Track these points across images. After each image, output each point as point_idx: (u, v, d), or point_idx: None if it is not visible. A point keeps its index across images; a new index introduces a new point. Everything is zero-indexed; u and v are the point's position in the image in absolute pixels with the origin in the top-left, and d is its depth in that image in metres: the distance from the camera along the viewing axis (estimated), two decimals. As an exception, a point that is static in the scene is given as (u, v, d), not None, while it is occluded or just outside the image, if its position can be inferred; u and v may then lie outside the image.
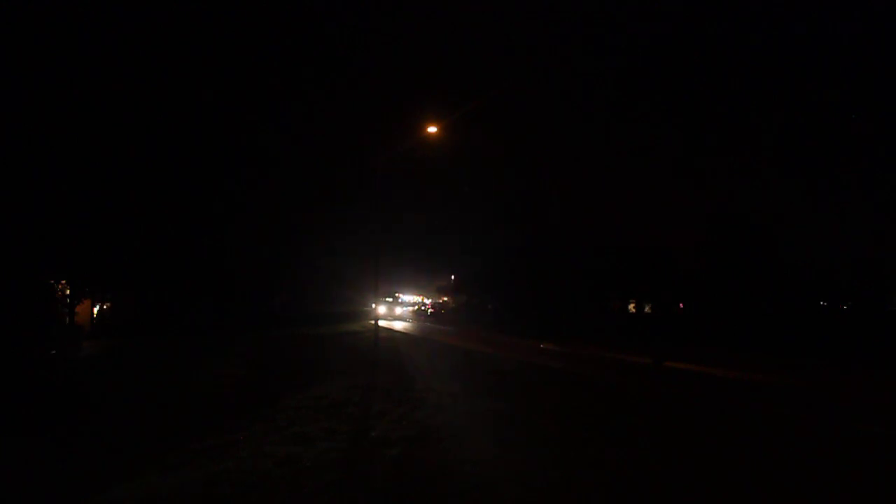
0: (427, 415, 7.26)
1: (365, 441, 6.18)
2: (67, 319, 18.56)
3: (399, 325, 32.85)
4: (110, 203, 18.08)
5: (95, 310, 23.62)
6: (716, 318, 28.90)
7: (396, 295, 52.81)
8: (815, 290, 36.87)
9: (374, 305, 21.61)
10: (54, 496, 4.98)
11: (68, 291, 19.50)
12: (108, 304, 24.32)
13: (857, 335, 19.39)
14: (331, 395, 9.25)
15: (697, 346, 19.18)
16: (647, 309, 41.27)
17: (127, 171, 18.71)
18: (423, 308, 60.24)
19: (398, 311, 45.73)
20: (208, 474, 5.25)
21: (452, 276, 52.54)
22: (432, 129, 17.84)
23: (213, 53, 23.40)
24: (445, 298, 56.97)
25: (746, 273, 33.34)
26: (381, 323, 29.75)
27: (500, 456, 5.36)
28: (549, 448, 5.49)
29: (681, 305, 37.61)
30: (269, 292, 36.83)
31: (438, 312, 51.37)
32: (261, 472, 5.26)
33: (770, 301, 32.55)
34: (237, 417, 7.72)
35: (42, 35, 15.75)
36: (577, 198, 39.38)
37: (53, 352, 17.08)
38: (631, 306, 41.60)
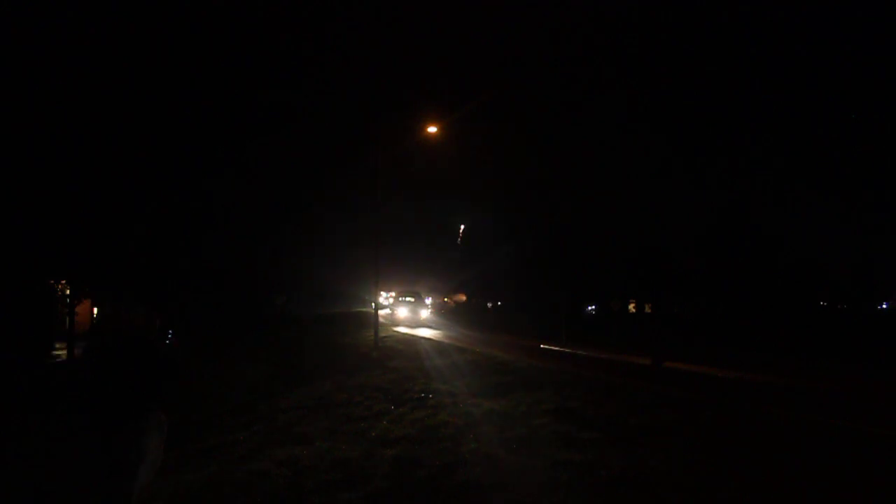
0: (427, 415, 7.26)
1: (364, 441, 6.18)
2: (67, 320, 18.53)
3: (427, 333, 23.25)
4: (110, 202, 18.06)
5: (95, 310, 23.58)
6: (715, 319, 28.91)
7: (422, 294, 38.30)
8: (815, 290, 36.92)
9: (374, 305, 21.45)
10: (52, 498, 4.98)
11: (68, 291, 19.47)
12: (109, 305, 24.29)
13: (857, 335, 19.40)
14: (331, 394, 9.25)
15: (697, 346, 19.18)
16: (646, 309, 41.27)
17: (127, 170, 18.70)
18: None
19: (423, 314, 32.65)
20: (208, 474, 5.25)
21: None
22: (432, 129, 17.85)
23: (212, 53, 23.38)
24: (446, 298, 56.98)
25: (746, 273, 33.36)
26: (402, 329, 24.46)
27: (501, 456, 5.35)
28: (550, 448, 5.48)
29: (675, 307, 37.65)
30: (271, 292, 36.77)
31: (438, 312, 51.16)
32: (261, 472, 5.26)
33: (770, 301, 32.57)
34: (237, 417, 7.72)
35: (41, 36, 15.75)
36: (578, 198, 39.35)
37: (55, 353, 17.09)
38: (631, 306, 41.58)
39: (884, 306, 39.46)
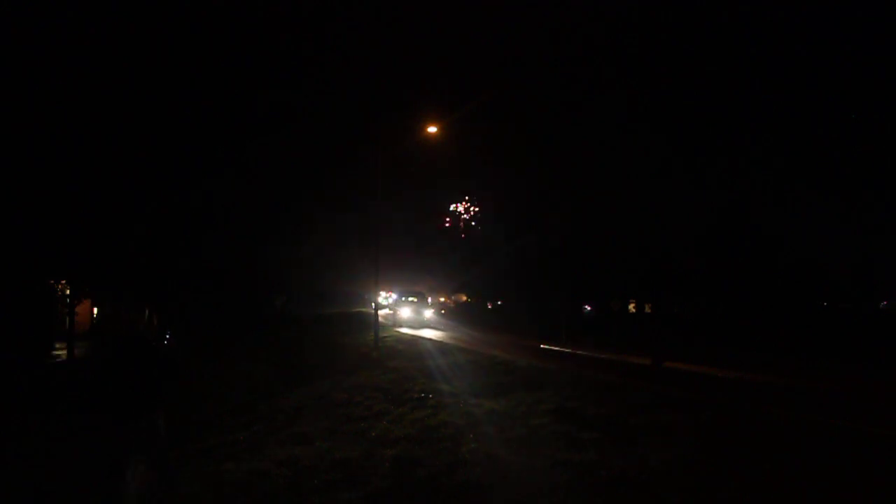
0: (427, 415, 7.26)
1: (365, 441, 6.18)
2: (67, 320, 18.55)
3: (428, 334, 23.00)
4: (110, 202, 18.07)
5: (95, 310, 23.60)
6: (715, 319, 28.91)
7: (425, 294, 36.95)
8: (815, 290, 36.90)
9: (374, 305, 21.44)
10: (53, 498, 4.98)
11: (68, 291, 19.49)
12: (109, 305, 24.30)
13: (857, 335, 19.38)
14: (331, 394, 9.25)
15: (697, 346, 19.17)
16: (647, 309, 41.26)
17: (127, 170, 18.70)
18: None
19: (427, 314, 31.64)
20: (208, 474, 5.25)
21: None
22: (432, 129, 17.86)
23: (212, 53, 23.39)
24: (443, 298, 56.99)
25: (746, 273, 33.35)
26: (403, 330, 23.80)
27: (501, 456, 5.35)
28: (550, 448, 5.48)
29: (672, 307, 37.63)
30: (270, 292, 36.76)
31: (439, 312, 51.08)
32: (261, 472, 5.26)
33: (770, 301, 32.57)
34: (237, 417, 7.72)
35: (41, 36, 15.75)
36: (578, 198, 39.23)
37: (55, 353, 17.08)
38: (631, 306, 41.57)
39: (884, 303, 39.44)
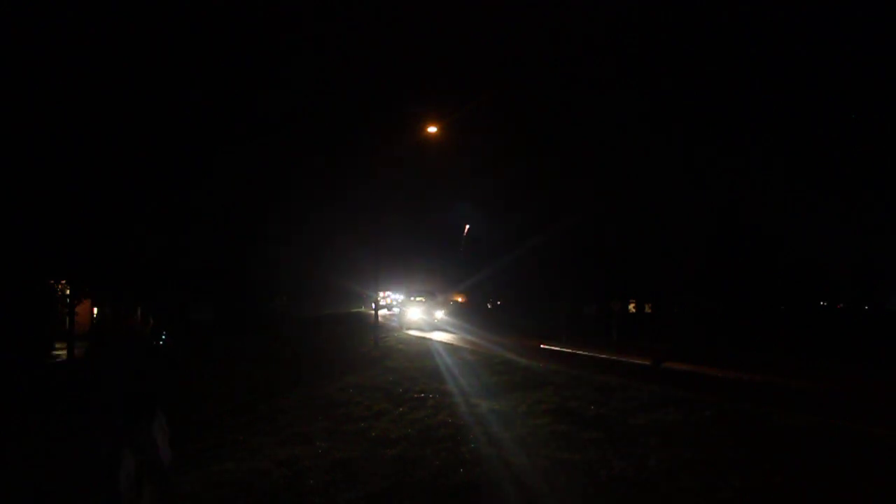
0: (427, 414, 7.26)
1: (365, 441, 6.18)
2: (67, 320, 18.55)
3: (431, 335, 21.43)
4: (110, 202, 18.07)
5: (95, 310, 23.59)
6: (716, 319, 28.90)
7: (436, 293, 33.35)
8: (815, 289, 36.94)
9: (374, 305, 21.42)
10: (53, 498, 4.98)
11: (68, 291, 19.49)
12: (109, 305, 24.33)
13: (857, 335, 19.39)
14: (330, 394, 9.25)
15: (697, 346, 19.16)
16: (647, 309, 41.26)
17: (127, 170, 18.70)
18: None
19: (438, 315, 28.26)
20: (208, 474, 5.25)
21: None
22: (432, 129, 17.88)
23: (212, 53, 23.41)
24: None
25: (746, 273, 33.38)
26: (411, 332, 22.40)
27: (500, 456, 5.36)
28: (550, 448, 5.48)
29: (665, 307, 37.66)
30: (271, 293, 36.76)
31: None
32: (261, 472, 5.26)
33: (770, 301, 32.58)
34: (237, 417, 7.72)
35: (41, 36, 15.76)
36: (578, 199, 39.27)
37: (55, 353, 17.09)
38: (631, 306, 41.57)
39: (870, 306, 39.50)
